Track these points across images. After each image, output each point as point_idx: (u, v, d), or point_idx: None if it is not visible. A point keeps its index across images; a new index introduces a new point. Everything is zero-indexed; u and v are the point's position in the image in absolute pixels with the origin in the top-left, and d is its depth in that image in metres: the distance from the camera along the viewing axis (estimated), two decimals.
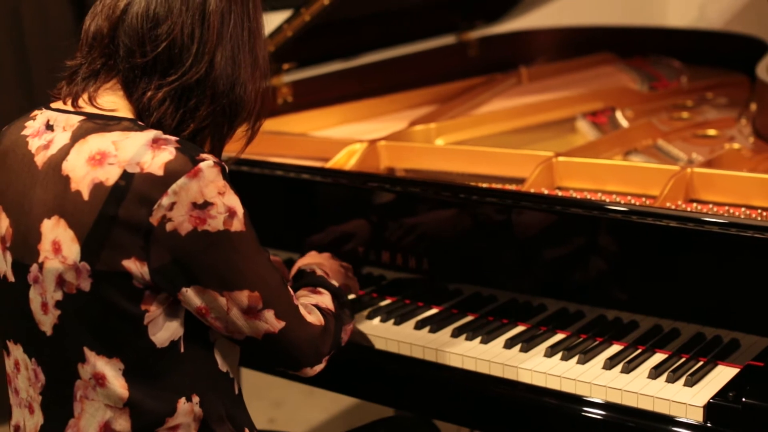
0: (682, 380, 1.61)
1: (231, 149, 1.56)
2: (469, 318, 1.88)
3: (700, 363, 1.66)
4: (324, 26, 2.55)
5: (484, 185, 2.04)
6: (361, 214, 2.04)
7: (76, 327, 1.39)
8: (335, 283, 1.69)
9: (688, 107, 2.72)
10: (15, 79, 2.82)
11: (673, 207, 1.86)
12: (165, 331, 1.39)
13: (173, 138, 1.37)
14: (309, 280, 1.67)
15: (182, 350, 1.42)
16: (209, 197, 1.35)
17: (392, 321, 1.89)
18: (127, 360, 1.39)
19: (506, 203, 1.87)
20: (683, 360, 1.67)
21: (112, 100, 1.43)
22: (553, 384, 1.67)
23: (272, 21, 2.47)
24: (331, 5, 2.43)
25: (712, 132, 2.44)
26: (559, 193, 2.00)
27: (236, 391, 1.50)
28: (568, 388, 1.65)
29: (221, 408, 1.46)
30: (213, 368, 1.46)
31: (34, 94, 2.83)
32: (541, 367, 1.69)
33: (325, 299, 1.61)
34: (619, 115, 2.58)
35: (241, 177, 1.82)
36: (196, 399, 1.43)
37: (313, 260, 1.80)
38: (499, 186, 2.04)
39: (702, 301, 1.71)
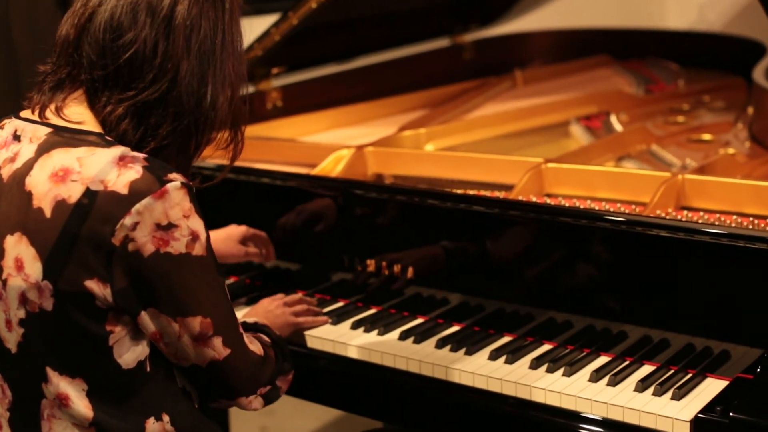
0: (669, 393, 1.57)
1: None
2: (455, 328, 1.84)
3: (689, 375, 1.62)
4: (314, 29, 2.52)
5: (473, 192, 2.00)
6: (346, 221, 2.00)
7: (39, 346, 1.35)
8: (277, 332, 1.66)
9: (684, 111, 2.69)
10: (4, 86, 2.80)
11: (664, 215, 1.82)
12: (131, 353, 1.35)
13: (141, 155, 1.32)
14: (249, 327, 1.63)
15: (148, 369, 1.38)
16: (174, 219, 1.30)
17: (376, 331, 1.85)
18: (91, 381, 1.35)
19: (493, 212, 1.83)
20: (671, 372, 1.63)
21: (79, 112, 1.38)
22: (537, 397, 1.62)
23: (260, 25, 2.43)
24: (319, 8, 2.39)
25: (707, 137, 2.40)
26: (548, 200, 1.96)
27: (196, 405, 1.46)
28: (553, 401, 1.61)
29: (189, 424, 1.42)
30: (175, 385, 1.42)
31: (24, 101, 2.80)
32: (525, 380, 1.64)
33: (264, 339, 1.58)
34: (613, 119, 2.54)
35: (227, 184, 1.78)
36: (166, 418, 1.39)
37: (254, 316, 1.75)
38: (487, 193, 2.01)
39: (692, 311, 1.67)
